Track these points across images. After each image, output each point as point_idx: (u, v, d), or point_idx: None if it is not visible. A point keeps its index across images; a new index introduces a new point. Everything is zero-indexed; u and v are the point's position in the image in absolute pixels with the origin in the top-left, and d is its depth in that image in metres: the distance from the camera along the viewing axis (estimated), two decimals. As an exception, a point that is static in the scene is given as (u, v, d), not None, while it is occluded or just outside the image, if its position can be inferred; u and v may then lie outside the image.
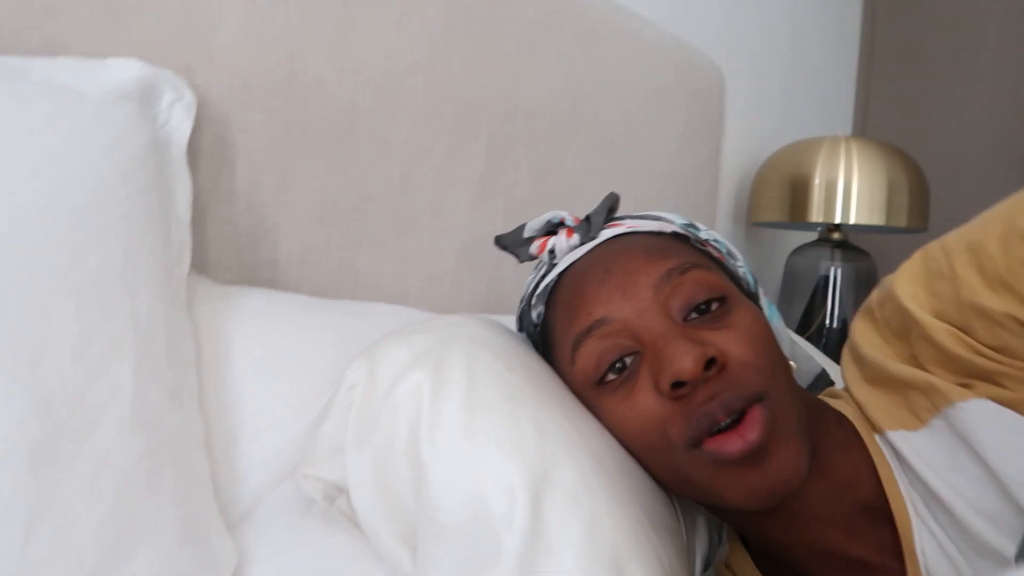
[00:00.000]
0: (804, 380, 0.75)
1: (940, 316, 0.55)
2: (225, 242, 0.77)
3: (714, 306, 0.57)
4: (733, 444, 0.52)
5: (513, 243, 0.67)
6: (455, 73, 0.96)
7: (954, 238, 0.57)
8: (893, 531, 0.57)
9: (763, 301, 0.68)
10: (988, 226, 0.54)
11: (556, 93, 1.09)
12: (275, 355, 0.66)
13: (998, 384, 0.53)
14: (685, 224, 0.66)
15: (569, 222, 0.65)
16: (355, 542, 0.58)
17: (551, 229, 0.66)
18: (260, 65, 0.78)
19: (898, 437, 0.57)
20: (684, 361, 0.52)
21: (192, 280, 0.68)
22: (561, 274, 0.63)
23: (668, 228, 0.64)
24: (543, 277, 0.65)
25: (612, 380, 0.57)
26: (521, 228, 0.67)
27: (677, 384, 0.53)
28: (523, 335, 0.69)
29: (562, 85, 1.10)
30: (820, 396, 0.66)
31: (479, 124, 0.99)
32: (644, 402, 0.56)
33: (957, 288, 0.54)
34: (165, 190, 0.62)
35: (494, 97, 1.01)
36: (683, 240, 0.64)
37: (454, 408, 0.54)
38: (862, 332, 0.62)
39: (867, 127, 2.09)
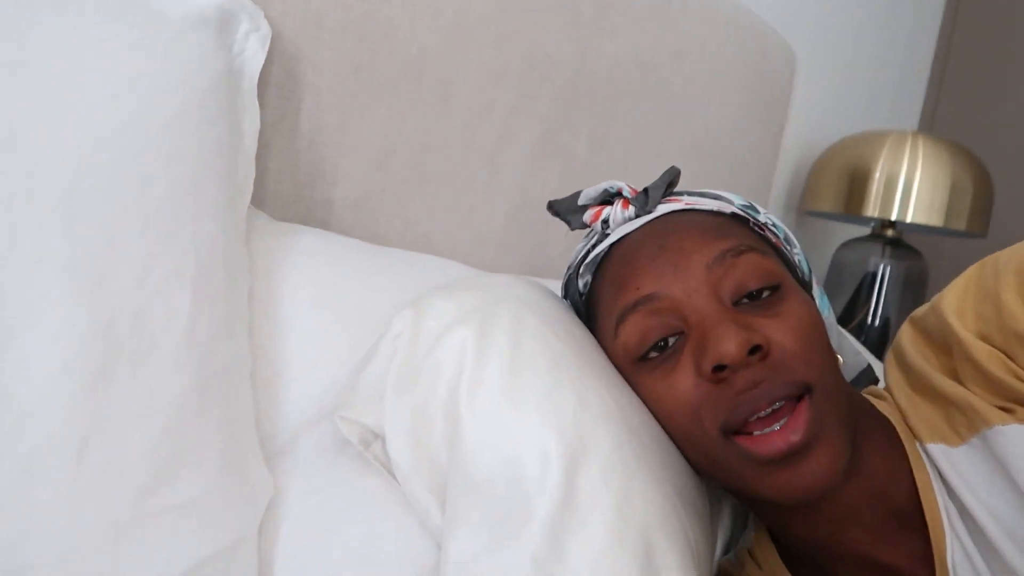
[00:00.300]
0: (849, 374, 0.74)
1: (984, 338, 0.54)
2: (284, 178, 0.77)
3: (766, 293, 0.56)
4: (772, 446, 0.51)
5: (566, 209, 0.66)
6: (525, 29, 0.94)
7: (1007, 257, 0.55)
8: (924, 540, 0.57)
9: (816, 291, 0.67)
10: None
11: (624, 60, 1.07)
12: (325, 296, 0.67)
13: None
14: (744, 205, 0.64)
15: (626, 193, 0.63)
16: (387, 487, 0.59)
17: (607, 199, 0.64)
18: (335, 2, 0.77)
19: (937, 450, 0.56)
20: (728, 344, 0.52)
21: (250, 213, 0.69)
22: (612, 245, 0.62)
23: (727, 208, 0.62)
24: (594, 246, 0.64)
25: (654, 358, 0.57)
26: (576, 195, 0.66)
27: (719, 368, 0.53)
28: (567, 302, 0.69)
29: (631, 52, 1.08)
30: (864, 393, 0.65)
31: (543, 85, 0.98)
32: (683, 383, 0.55)
33: (1000, 313, 0.53)
34: (235, 120, 0.62)
35: (562, 59, 0.99)
36: (742, 222, 0.62)
37: (496, 368, 0.54)
38: (910, 339, 0.61)
39: (934, 124, 2.02)
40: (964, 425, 0.55)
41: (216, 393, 0.54)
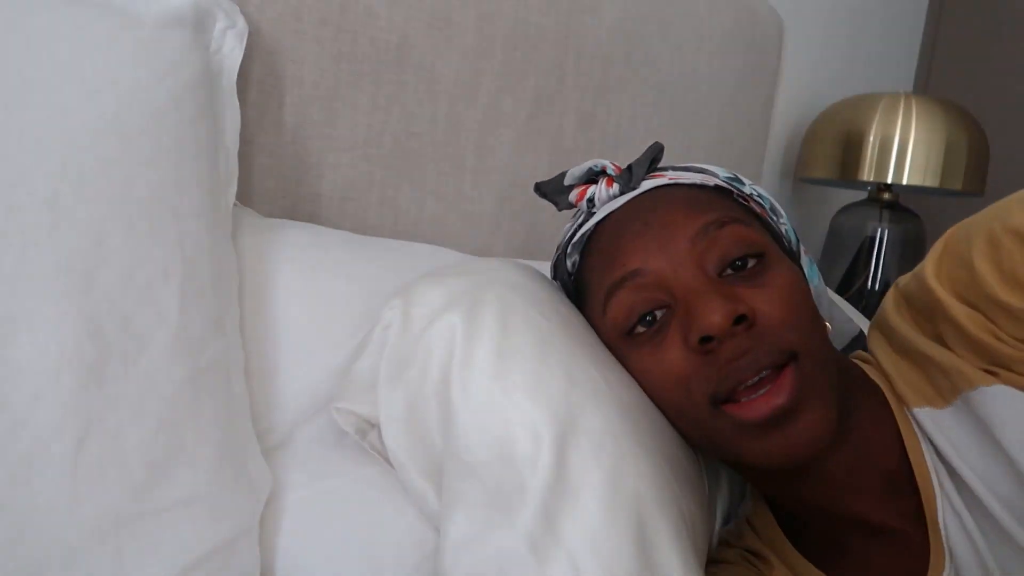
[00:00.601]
0: (841, 341, 0.74)
1: (963, 301, 0.55)
2: (270, 174, 0.77)
3: (751, 263, 0.56)
4: (757, 410, 0.52)
5: (553, 191, 0.66)
6: (507, 9, 0.94)
7: (979, 223, 0.55)
8: (916, 500, 0.57)
9: (804, 260, 0.67)
10: (1011, 215, 0.52)
11: (610, 35, 1.06)
12: (315, 289, 0.67)
13: (1020, 373, 0.52)
14: (729, 178, 0.64)
15: (611, 171, 0.63)
16: (385, 475, 0.60)
17: (592, 177, 0.65)
18: (312, -6, 0.77)
19: (923, 414, 0.57)
20: (713, 316, 0.52)
21: (237, 211, 0.69)
22: (599, 224, 0.62)
23: (711, 181, 0.63)
24: (580, 226, 0.64)
25: (642, 332, 0.57)
26: (562, 175, 0.66)
27: (705, 339, 0.53)
28: (557, 283, 0.69)
29: (616, 27, 1.07)
30: (853, 359, 0.66)
31: (529, 65, 0.98)
32: (671, 356, 0.56)
33: (975, 279, 0.54)
34: (215, 119, 0.63)
35: (545, 37, 0.99)
36: (726, 194, 0.62)
37: (485, 352, 0.55)
38: (894, 305, 0.61)
39: (929, 85, 2.01)
40: (947, 387, 0.55)
41: (209, 390, 0.55)
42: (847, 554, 0.62)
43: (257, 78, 0.74)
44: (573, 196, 0.65)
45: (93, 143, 0.51)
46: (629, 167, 0.63)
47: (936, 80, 2.00)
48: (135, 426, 0.49)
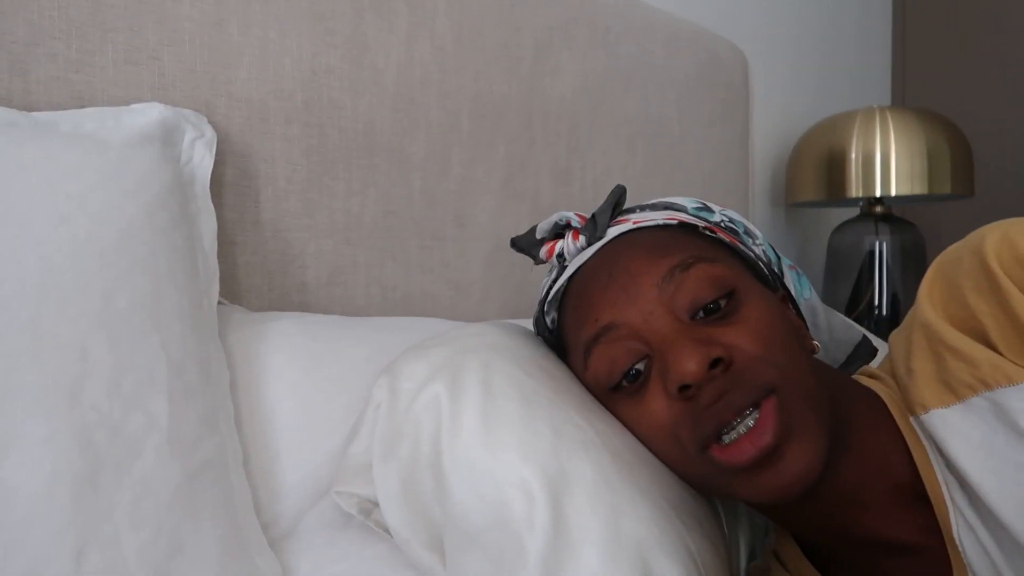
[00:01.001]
0: (843, 351, 0.73)
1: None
2: (255, 270, 0.80)
3: (723, 303, 0.56)
4: (743, 453, 0.51)
5: (528, 244, 0.67)
6: (469, 84, 0.97)
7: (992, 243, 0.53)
8: (930, 512, 0.56)
9: (790, 275, 0.66)
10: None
11: (574, 94, 1.10)
12: (308, 376, 0.68)
13: None
14: (697, 208, 0.64)
15: (575, 223, 0.64)
16: (393, 552, 0.60)
17: (559, 231, 0.65)
18: (276, 95, 0.81)
19: (935, 416, 0.55)
20: (688, 364, 0.52)
21: (225, 309, 0.71)
22: (571, 278, 0.63)
23: (676, 219, 0.63)
24: (554, 282, 0.65)
25: (626, 387, 0.57)
26: (534, 230, 0.67)
27: (684, 387, 0.53)
28: (540, 339, 0.70)
29: (579, 85, 1.11)
30: (856, 375, 0.65)
31: (496, 133, 1.01)
32: (655, 407, 0.55)
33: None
34: (190, 225, 0.65)
35: (510, 105, 1.02)
36: (691, 230, 0.62)
37: (471, 418, 0.55)
38: (927, 292, 0.58)
39: (906, 97, 2.03)
40: (966, 382, 0.53)
41: (207, 487, 0.55)
42: None
43: (231, 181, 0.77)
44: (543, 252, 0.66)
45: (70, 264, 0.53)
46: (593, 217, 0.64)
47: (912, 91, 2.03)
48: (134, 531, 0.50)
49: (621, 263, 0.58)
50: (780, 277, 0.66)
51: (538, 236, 0.66)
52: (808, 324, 0.69)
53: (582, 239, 0.63)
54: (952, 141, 1.48)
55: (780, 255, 0.69)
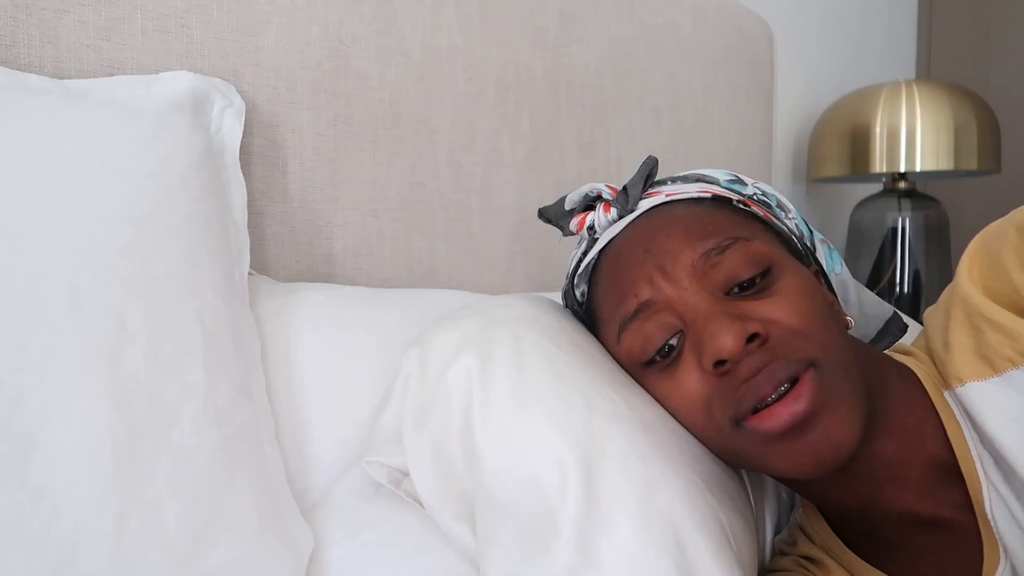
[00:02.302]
0: (875, 326, 0.73)
1: None
2: (282, 241, 0.80)
3: (758, 279, 0.56)
4: (777, 418, 0.50)
5: (556, 215, 0.66)
6: (495, 54, 0.96)
7: None
8: (963, 487, 0.56)
9: (822, 250, 0.66)
10: None
11: (599, 64, 1.08)
12: (336, 346, 0.69)
13: None
14: (730, 181, 0.64)
15: (607, 195, 0.63)
16: (423, 521, 0.61)
17: (590, 203, 0.64)
18: (303, 64, 0.80)
19: (971, 389, 0.55)
20: (724, 339, 0.51)
21: (254, 279, 0.71)
22: (602, 251, 0.62)
23: (709, 191, 0.62)
24: (584, 254, 0.64)
25: (659, 361, 0.57)
26: (562, 200, 0.66)
27: (719, 362, 0.53)
28: (569, 312, 0.69)
29: (604, 55, 1.09)
30: (889, 351, 0.64)
31: (522, 104, 1.00)
32: (688, 381, 0.55)
33: None
34: (221, 195, 0.65)
35: (535, 76, 1.01)
36: (725, 203, 0.61)
37: (503, 390, 0.55)
38: (967, 266, 0.58)
39: (931, 70, 2.00)
40: (1005, 355, 0.53)
41: (242, 456, 0.56)
42: (902, 551, 0.61)
43: (259, 151, 0.77)
44: (573, 225, 0.65)
45: (107, 232, 0.53)
46: (625, 188, 0.63)
47: (938, 65, 2.00)
48: (172, 498, 0.50)
49: (657, 240, 0.58)
50: (812, 251, 0.66)
51: (567, 207, 0.66)
52: (839, 299, 0.68)
53: (613, 211, 0.62)
54: (980, 116, 1.46)
55: (812, 229, 0.68)
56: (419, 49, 0.89)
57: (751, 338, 0.52)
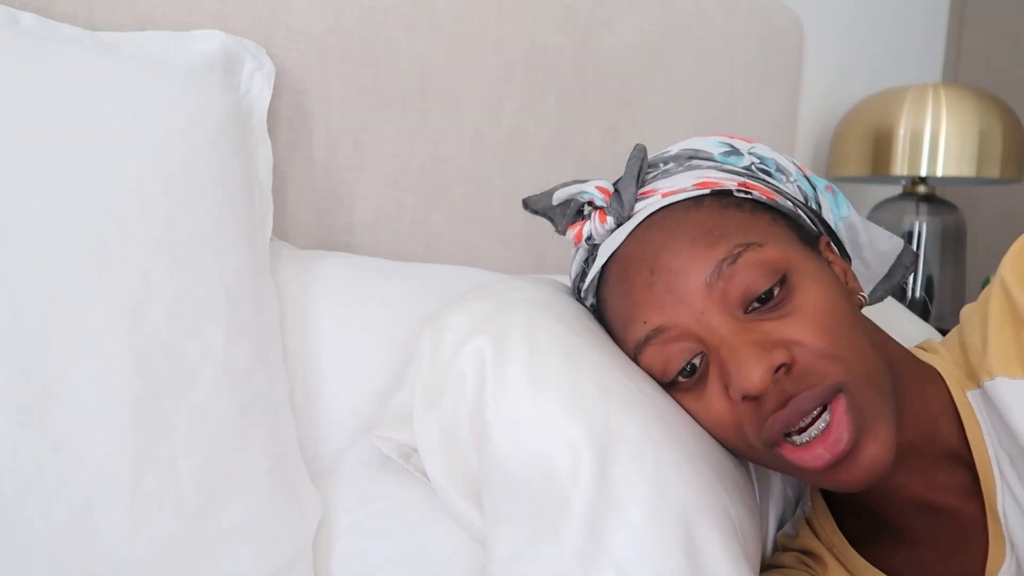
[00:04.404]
0: (886, 262, 0.71)
1: None
2: (304, 207, 0.79)
3: (776, 290, 0.54)
4: (820, 459, 0.50)
5: (544, 209, 0.63)
6: (525, 32, 0.95)
7: None
8: (972, 475, 0.56)
9: (827, 200, 0.64)
10: None
11: (628, 49, 1.08)
12: (353, 317, 0.69)
13: None
14: (724, 153, 0.61)
15: (599, 200, 0.59)
16: (431, 495, 0.61)
17: (580, 208, 0.61)
18: (334, 31, 0.79)
19: (1000, 384, 0.55)
20: (752, 375, 0.50)
21: (274, 245, 0.71)
22: (606, 265, 0.60)
23: (706, 184, 0.58)
24: (587, 265, 0.63)
25: (683, 382, 0.56)
26: (549, 194, 0.62)
27: (747, 396, 0.52)
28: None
29: (634, 39, 1.08)
30: (915, 348, 0.64)
31: (549, 84, 0.99)
32: (718, 406, 0.55)
33: None
34: (248, 157, 0.65)
35: (564, 55, 1.00)
36: (727, 197, 0.58)
37: (517, 372, 0.55)
38: (1012, 263, 0.57)
39: (959, 74, 1.98)
40: None
41: (257, 420, 0.56)
42: (905, 545, 0.61)
43: (286, 116, 0.77)
44: (571, 237, 0.62)
45: (135, 187, 0.53)
46: (617, 191, 0.59)
47: (966, 69, 1.97)
48: (188, 457, 0.51)
49: (662, 259, 0.55)
50: (819, 214, 0.64)
51: (555, 203, 0.62)
52: (848, 242, 0.67)
53: (610, 220, 0.59)
54: (1006, 124, 1.44)
55: (814, 182, 0.65)
56: (451, 22, 0.88)
57: (778, 368, 0.52)
